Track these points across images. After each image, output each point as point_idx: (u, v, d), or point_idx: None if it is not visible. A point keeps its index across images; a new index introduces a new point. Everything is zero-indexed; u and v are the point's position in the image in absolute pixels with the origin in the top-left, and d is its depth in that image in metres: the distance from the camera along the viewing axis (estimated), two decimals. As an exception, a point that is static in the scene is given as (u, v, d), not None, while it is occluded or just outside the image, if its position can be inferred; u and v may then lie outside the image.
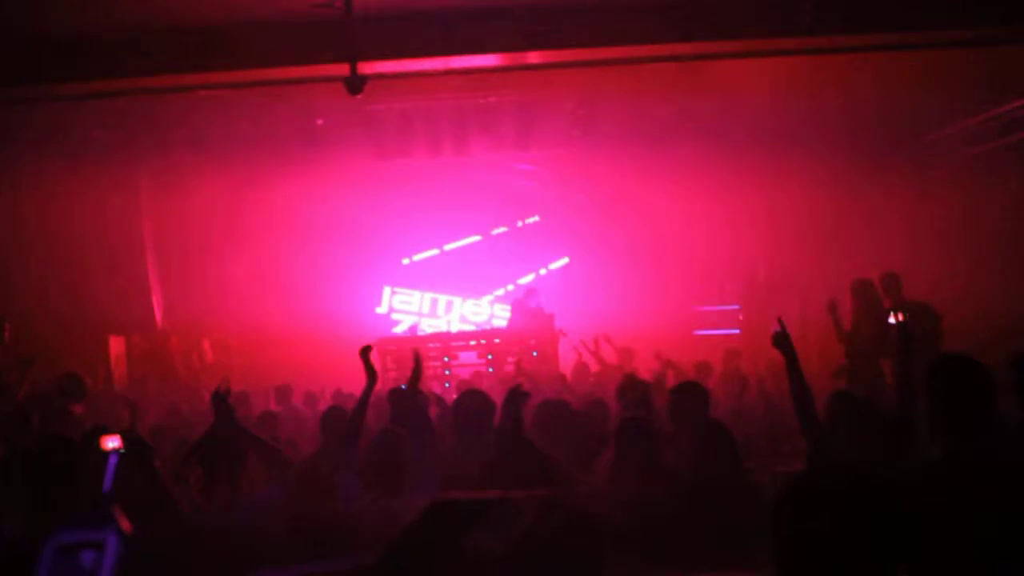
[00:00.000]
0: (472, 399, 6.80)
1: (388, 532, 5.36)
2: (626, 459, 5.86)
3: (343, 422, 6.79)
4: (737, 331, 15.23)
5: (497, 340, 14.13)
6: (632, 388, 7.79)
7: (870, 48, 9.92)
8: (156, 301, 14.33)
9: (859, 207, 12.96)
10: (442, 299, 16.88)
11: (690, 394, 6.59)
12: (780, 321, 5.71)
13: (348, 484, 5.74)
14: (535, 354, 13.41)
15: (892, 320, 5.73)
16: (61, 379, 8.96)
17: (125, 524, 1.91)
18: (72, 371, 9.03)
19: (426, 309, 16.90)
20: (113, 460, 2.14)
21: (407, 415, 6.76)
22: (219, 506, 5.99)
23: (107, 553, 1.82)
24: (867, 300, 9.71)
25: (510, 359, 13.02)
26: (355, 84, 7.39)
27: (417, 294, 16.89)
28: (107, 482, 2.07)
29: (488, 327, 16.28)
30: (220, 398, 7.00)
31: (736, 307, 15.68)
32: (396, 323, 16.67)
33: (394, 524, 5.48)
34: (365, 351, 6.77)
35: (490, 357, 13.69)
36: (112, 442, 5.07)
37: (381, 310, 16.64)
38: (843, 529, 2.04)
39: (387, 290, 16.83)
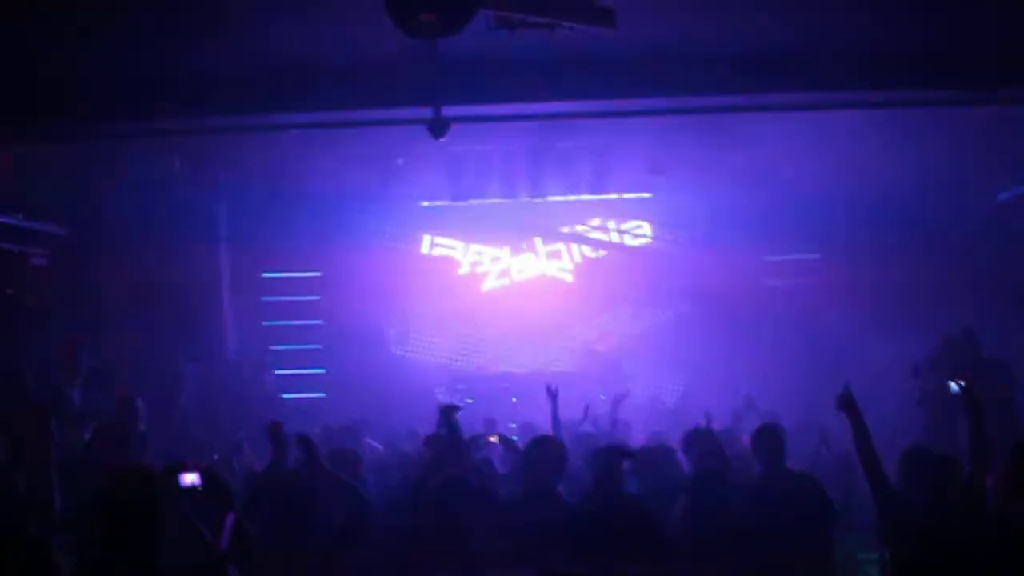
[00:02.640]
0: (543, 446, 6.81)
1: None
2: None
3: None
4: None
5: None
6: (700, 439, 7.72)
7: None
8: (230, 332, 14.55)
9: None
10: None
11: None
12: (846, 386, 5.71)
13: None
14: (603, 396, 13.35)
15: (955, 387, 5.66)
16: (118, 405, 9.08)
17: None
18: (128, 396, 9.12)
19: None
20: (231, 520, 2.15)
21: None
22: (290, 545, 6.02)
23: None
24: (954, 356, 9.57)
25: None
26: (439, 128, 7.47)
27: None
28: (224, 540, 2.07)
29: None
30: (275, 431, 7.05)
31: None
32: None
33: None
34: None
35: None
36: (191, 478, 5.10)
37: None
38: None
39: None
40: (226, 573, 1.84)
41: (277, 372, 14.47)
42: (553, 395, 9.11)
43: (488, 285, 16.21)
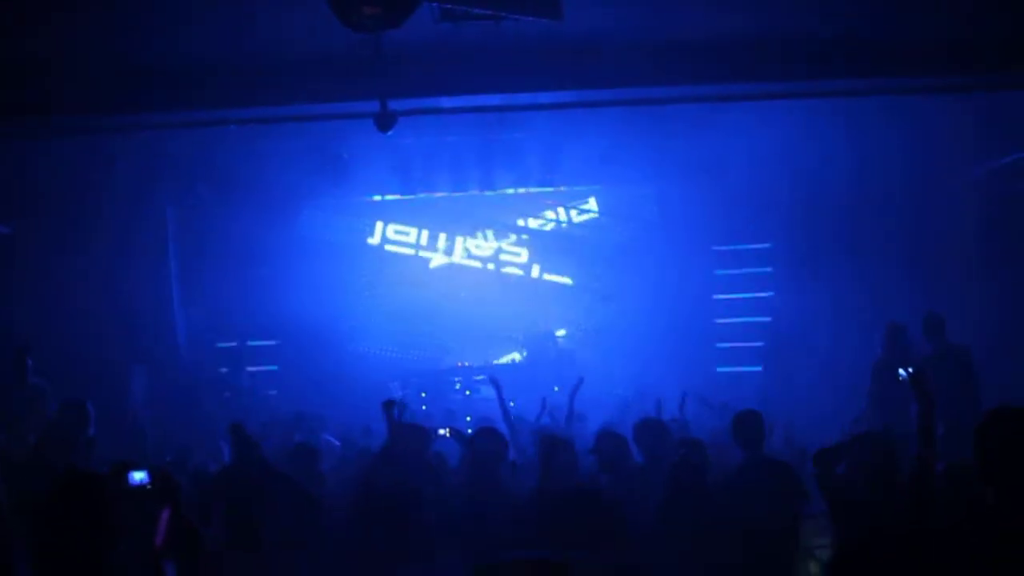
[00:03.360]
0: (485, 437, 6.83)
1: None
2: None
3: None
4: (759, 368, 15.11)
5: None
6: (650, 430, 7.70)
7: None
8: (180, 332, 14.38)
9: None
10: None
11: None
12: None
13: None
14: (556, 389, 13.38)
15: (903, 374, 5.68)
16: (65, 407, 8.89)
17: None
18: (77, 399, 8.95)
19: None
20: (165, 515, 2.12)
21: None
22: (243, 545, 5.97)
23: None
24: (898, 345, 9.63)
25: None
26: (385, 121, 7.42)
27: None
28: (159, 536, 2.05)
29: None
30: (238, 429, 7.01)
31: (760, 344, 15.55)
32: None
33: None
34: None
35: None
36: (139, 476, 5.06)
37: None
38: None
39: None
40: (161, 568, 1.82)
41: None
42: (497, 385, 9.16)
43: (436, 263, 16.12)
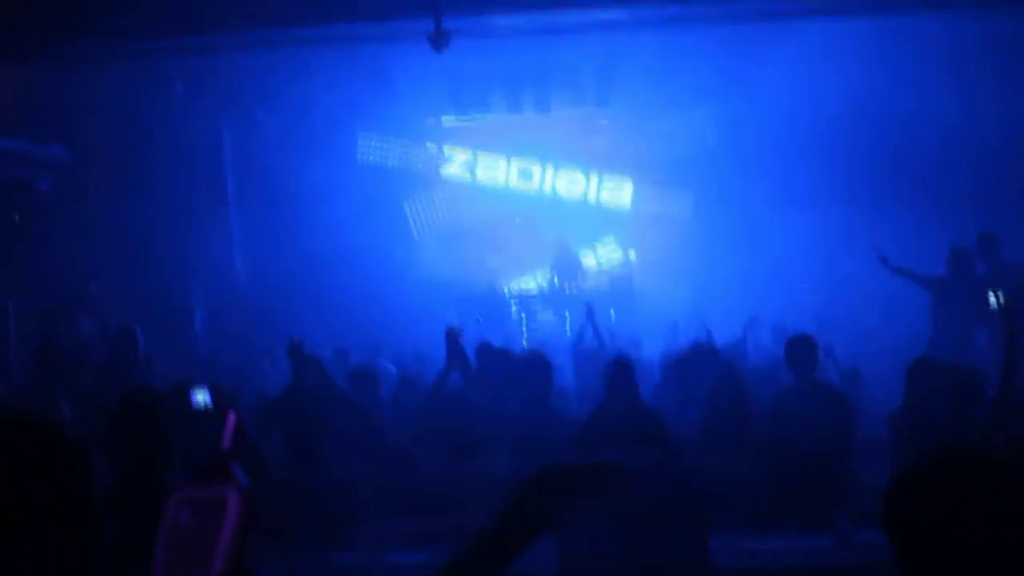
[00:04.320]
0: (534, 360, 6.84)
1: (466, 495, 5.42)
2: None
3: None
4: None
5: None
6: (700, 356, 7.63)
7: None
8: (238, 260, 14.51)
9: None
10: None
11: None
12: None
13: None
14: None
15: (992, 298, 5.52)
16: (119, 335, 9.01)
17: (244, 482, 1.89)
18: (127, 326, 9.03)
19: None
20: (232, 418, 2.11)
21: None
22: (304, 464, 6.04)
23: (229, 511, 1.80)
24: (961, 268, 9.45)
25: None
26: (439, 40, 7.32)
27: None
28: (226, 439, 2.04)
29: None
30: (297, 351, 7.06)
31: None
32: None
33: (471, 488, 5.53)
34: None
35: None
36: (201, 394, 5.12)
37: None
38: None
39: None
40: (231, 471, 1.82)
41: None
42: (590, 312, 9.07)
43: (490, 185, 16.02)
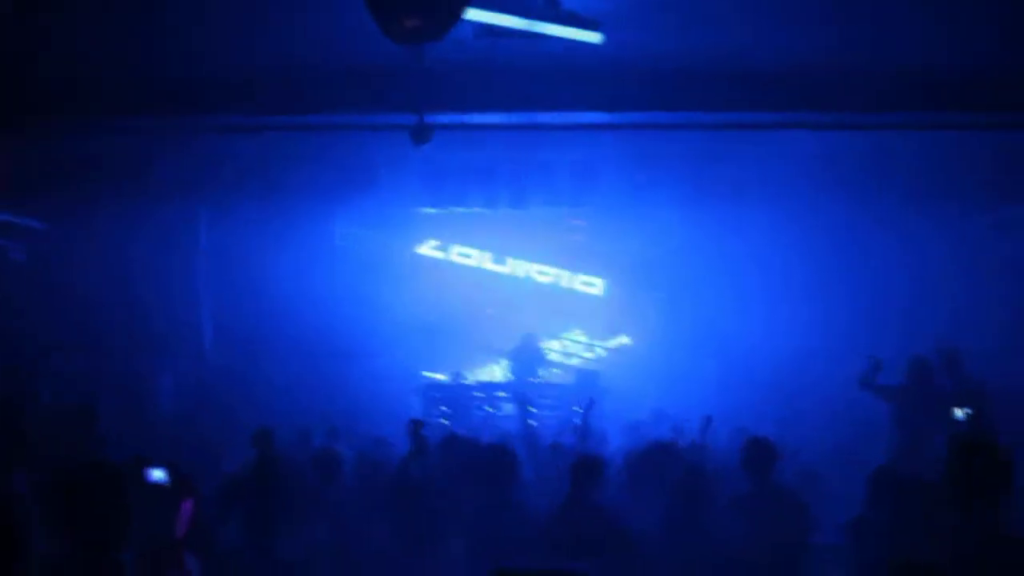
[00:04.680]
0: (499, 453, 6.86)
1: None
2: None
3: None
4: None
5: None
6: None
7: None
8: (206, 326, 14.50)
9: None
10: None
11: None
12: None
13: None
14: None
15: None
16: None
17: (196, 572, 1.94)
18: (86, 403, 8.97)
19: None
20: (187, 507, 2.15)
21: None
22: (260, 545, 6.00)
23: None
24: (921, 378, 9.60)
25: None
26: (421, 134, 7.46)
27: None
28: (181, 526, 2.08)
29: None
30: (262, 435, 7.07)
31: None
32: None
33: None
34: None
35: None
36: (158, 473, 5.10)
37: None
38: None
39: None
40: (182, 559, 1.83)
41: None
42: (523, 404, 9.24)
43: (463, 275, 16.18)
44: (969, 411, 9.00)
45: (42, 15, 7.37)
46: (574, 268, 16.43)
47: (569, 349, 16.54)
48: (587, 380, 14.23)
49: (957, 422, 8.33)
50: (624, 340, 16.44)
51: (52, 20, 7.47)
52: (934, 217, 12.50)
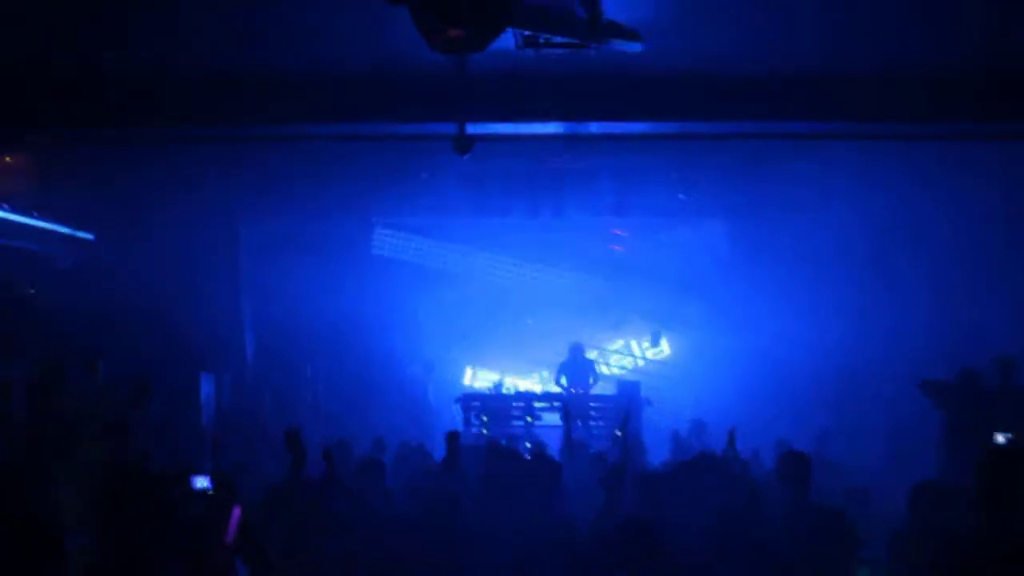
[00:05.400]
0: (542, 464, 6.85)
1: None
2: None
3: None
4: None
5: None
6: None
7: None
8: (248, 340, 14.59)
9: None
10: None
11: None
12: None
13: None
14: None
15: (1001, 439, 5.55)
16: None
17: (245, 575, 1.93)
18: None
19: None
20: (236, 513, 2.15)
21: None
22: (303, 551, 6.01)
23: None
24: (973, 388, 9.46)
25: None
26: (463, 144, 7.47)
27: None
28: (230, 533, 2.08)
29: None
30: (294, 437, 7.05)
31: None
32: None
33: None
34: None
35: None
36: (202, 481, 5.14)
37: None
38: None
39: (468, 370, 16.73)
40: (234, 566, 1.84)
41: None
42: (567, 414, 9.23)
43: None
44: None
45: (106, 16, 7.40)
46: (615, 278, 16.35)
47: (611, 359, 16.48)
48: (628, 391, 14.17)
49: (1007, 433, 8.17)
50: (666, 350, 16.36)
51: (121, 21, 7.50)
52: (982, 223, 12.30)
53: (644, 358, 16.63)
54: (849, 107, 9.00)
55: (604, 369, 15.86)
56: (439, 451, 8.83)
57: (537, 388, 16.27)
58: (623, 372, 16.32)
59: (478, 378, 16.72)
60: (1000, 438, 5.53)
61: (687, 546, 6.06)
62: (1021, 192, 11.44)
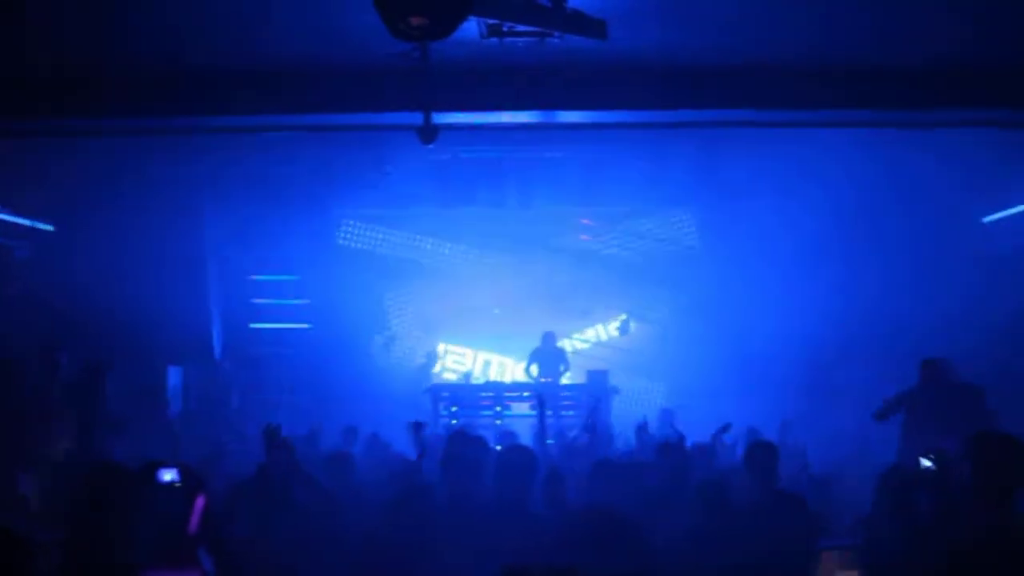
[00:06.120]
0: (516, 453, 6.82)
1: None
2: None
3: None
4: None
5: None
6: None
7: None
8: (216, 332, 14.50)
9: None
10: (495, 359, 16.79)
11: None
12: None
13: None
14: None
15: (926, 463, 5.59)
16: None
17: (209, 568, 1.92)
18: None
19: (477, 371, 16.70)
20: (200, 504, 2.14)
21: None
22: (269, 543, 5.99)
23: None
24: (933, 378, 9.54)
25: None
26: (428, 134, 7.45)
27: (470, 352, 16.78)
28: (194, 523, 2.07)
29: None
30: (271, 433, 7.05)
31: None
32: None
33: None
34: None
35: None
36: (169, 474, 5.11)
37: (434, 370, 16.22)
38: None
39: (441, 346, 16.72)
40: (196, 557, 1.83)
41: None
42: (541, 404, 9.25)
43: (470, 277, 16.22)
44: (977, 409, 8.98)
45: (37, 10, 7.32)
46: (582, 266, 16.35)
47: (578, 348, 16.48)
48: (597, 380, 14.18)
49: (967, 420, 8.26)
50: (633, 339, 16.38)
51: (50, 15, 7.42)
52: (955, 214, 12.39)
53: (613, 347, 16.64)
54: (817, 94, 9.05)
55: (570, 358, 15.84)
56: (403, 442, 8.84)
57: (508, 366, 16.34)
58: (591, 361, 16.29)
59: (450, 353, 16.61)
60: (926, 462, 5.57)
61: (651, 534, 6.08)
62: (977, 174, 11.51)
